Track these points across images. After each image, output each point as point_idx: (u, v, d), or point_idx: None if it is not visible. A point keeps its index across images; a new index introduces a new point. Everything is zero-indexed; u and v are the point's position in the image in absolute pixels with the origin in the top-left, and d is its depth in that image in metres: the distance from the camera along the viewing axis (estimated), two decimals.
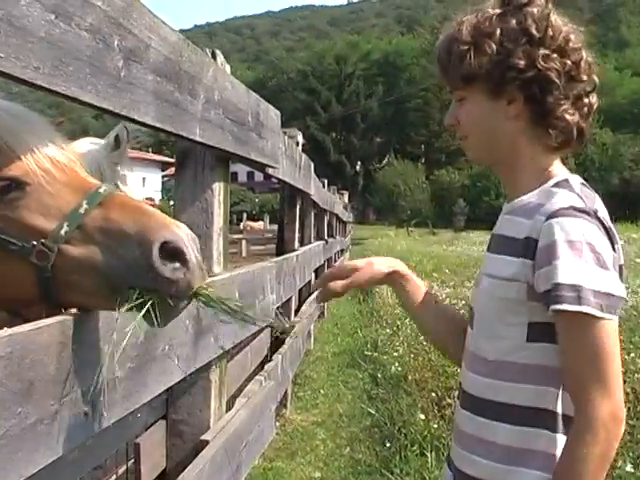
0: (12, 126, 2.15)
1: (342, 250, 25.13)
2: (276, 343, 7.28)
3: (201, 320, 3.37)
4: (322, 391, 9.05)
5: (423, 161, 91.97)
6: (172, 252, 2.03)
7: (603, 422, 2.04)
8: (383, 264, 2.68)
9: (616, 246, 2.19)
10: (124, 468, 3.91)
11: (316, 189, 10.60)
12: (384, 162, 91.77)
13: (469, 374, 2.42)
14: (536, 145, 2.33)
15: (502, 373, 2.28)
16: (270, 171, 5.28)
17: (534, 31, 2.26)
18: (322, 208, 13.57)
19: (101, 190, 2.15)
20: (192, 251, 2.07)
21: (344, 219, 26.34)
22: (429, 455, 6.07)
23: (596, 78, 2.34)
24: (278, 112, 5.19)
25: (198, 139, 3.25)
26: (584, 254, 2.08)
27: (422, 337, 9.68)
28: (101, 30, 2.20)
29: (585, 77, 2.31)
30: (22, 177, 2.09)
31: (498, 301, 2.30)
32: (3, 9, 1.71)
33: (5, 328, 1.85)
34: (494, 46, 2.27)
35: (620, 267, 2.23)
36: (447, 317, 2.73)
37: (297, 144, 8.08)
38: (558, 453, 2.18)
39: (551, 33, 2.26)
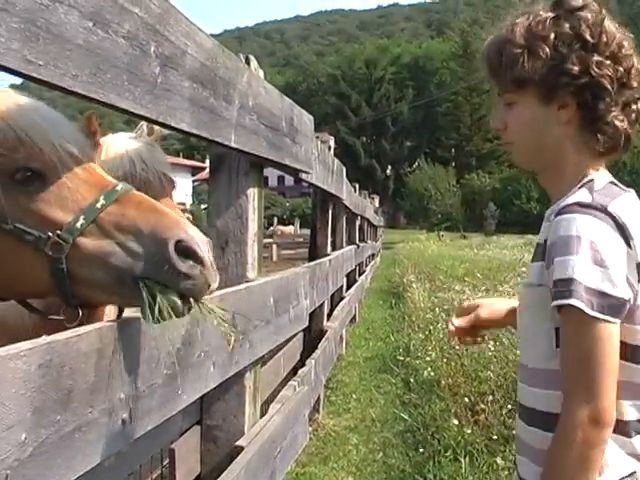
0: (38, 123, 2.18)
1: (373, 254, 25.12)
2: (309, 348, 7.28)
3: (237, 325, 3.36)
4: (354, 396, 9.02)
5: (453, 165, 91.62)
6: (186, 251, 2.06)
7: (581, 425, 2.01)
8: (501, 303, 2.84)
9: (632, 242, 2.14)
10: (158, 473, 3.92)
11: (348, 194, 10.60)
12: (414, 166, 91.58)
13: (519, 384, 2.41)
14: (583, 151, 2.30)
15: (539, 380, 2.27)
16: (303, 176, 5.28)
17: (588, 37, 2.23)
18: (353, 212, 13.57)
19: (118, 188, 2.19)
20: (205, 251, 2.09)
21: (375, 223, 26.32)
22: (462, 461, 6.04)
23: None
24: (311, 117, 5.19)
25: (233, 145, 3.25)
26: (581, 250, 2.05)
27: (454, 342, 9.70)
28: (138, 37, 2.21)
29: (635, 84, 2.28)
30: (44, 170, 2.13)
31: (530, 308, 2.30)
32: (42, 17, 1.72)
33: (44, 336, 1.85)
34: (548, 50, 2.24)
35: (638, 265, 2.17)
36: None
37: (329, 149, 8.08)
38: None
39: (605, 39, 2.24)
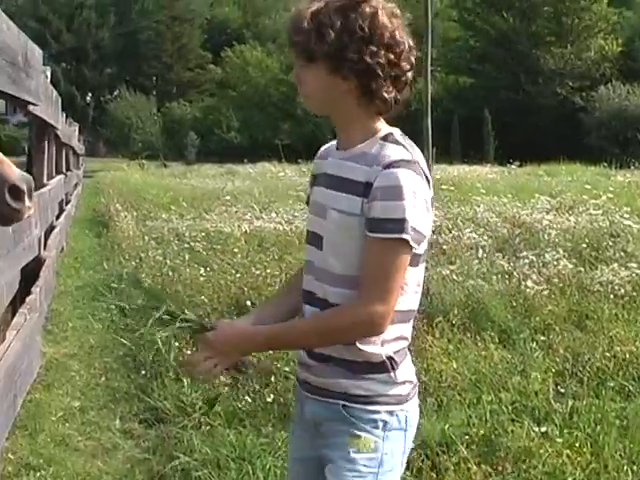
0: None
1: (77, 184, 24.78)
2: (28, 277, 7.32)
3: None
4: (70, 324, 9.05)
5: (155, 93, 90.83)
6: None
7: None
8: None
9: (429, 184, 2.73)
10: None
11: (62, 123, 10.54)
12: (115, 93, 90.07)
13: (319, 285, 2.80)
14: (365, 110, 2.73)
15: (344, 283, 2.72)
16: (31, 108, 5.35)
17: (366, 29, 2.62)
18: (62, 141, 13.42)
19: None
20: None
21: (79, 152, 25.85)
22: (184, 380, 6.33)
23: (413, 59, 2.74)
24: (41, 51, 5.26)
25: None
26: (407, 198, 2.58)
27: (166, 268, 10.06)
28: None
29: (404, 63, 2.70)
30: None
31: (340, 230, 2.73)
32: None
33: None
34: (333, 36, 2.61)
35: (431, 199, 2.75)
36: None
37: (46, 77, 8.07)
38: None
39: (379, 32, 2.63)
